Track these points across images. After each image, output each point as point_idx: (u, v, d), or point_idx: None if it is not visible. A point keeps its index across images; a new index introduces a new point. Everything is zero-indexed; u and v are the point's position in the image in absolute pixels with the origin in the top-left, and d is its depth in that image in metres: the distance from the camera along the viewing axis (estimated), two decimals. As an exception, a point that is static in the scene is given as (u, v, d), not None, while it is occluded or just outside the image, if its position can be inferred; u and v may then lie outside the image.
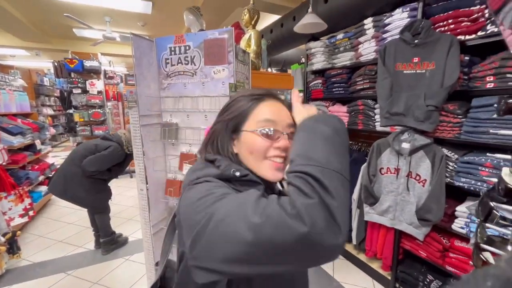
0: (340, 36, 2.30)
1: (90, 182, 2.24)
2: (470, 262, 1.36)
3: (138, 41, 1.43)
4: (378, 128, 2.01)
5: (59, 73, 4.60)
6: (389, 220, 1.85)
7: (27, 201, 2.58)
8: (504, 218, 0.59)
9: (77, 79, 4.49)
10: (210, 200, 0.44)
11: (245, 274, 0.41)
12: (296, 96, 0.59)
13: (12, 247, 2.23)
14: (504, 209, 0.63)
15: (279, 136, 0.55)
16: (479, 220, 0.75)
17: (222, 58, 1.41)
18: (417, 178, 1.69)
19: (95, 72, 4.67)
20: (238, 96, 0.60)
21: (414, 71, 1.65)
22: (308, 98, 2.78)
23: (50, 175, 3.47)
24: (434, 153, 1.60)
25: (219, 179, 0.51)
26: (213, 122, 0.62)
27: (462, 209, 1.53)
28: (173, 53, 1.50)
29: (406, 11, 1.71)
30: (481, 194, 0.80)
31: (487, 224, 0.69)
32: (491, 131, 1.36)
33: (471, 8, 1.43)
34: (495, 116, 1.34)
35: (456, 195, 1.62)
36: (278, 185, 0.69)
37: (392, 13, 1.80)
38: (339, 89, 2.38)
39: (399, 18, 1.76)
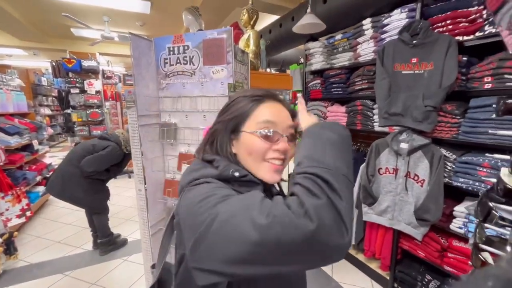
0: (338, 36, 2.30)
1: (88, 183, 2.23)
2: (469, 263, 1.36)
3: (136, 41, 1.42)
4: (377, 128, 2.01)
5: (57, 73, 4.58)
6: (388, 220, 1.85)
7: (24, 201, 2.57)
8: (503, 219, 0.59)
9: (75, 79, 4.47)
10: (212, 201, 0.43)
11: (249, 275, 0.41)
12: (302, 105, 0.61)
13: (9, 248, 2.22)
14: (502, 209, 0.63)
15: (279, 138, 0.55)
16: (478, 220, 0.75)
17: (221, 58, 1.41)
18: (416, 178, 1.69)
19: (93, 72, 4.65)
20: (238, 96, 0.59)
21: (413, 72, 1.66)
22: (307, 98, 2.78)
23: (48, 176, 3.45)
24: (433, 153, 1.61)
25: (218, 180, 0.51)
26: (213, 122, 0.62)
27: (460, 209, 1.53)
28: (171, 53, 1.50)
29: (405, 11, 1.72)
30: (480, 194, 0.81)
31: (486, 225, 0.69)
32: (490, 131, 1.36)
33: (469, 9, 1.44)
34: (493, 116, 1.34)
35: (454, 195, 1.63)
36: (276, 186, 0.68)
37: (391, 14, 1.80)
38: (338, 89, 2.38)
39: (397, 19, 1.76)
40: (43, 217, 3.26)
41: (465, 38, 1.47)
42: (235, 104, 0.58)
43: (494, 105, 1.32)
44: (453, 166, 1.57)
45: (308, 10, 2.10)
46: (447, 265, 1.63)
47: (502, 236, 0.71)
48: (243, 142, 0.56)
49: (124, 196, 3.94)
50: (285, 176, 0.61)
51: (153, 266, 0.71)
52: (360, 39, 2.08)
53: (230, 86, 1.39)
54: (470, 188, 1.47)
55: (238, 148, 0.57)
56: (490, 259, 0.63)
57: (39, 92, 7.99)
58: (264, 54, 2.24)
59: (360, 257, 2.25)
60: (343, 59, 2.28)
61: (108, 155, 2.22)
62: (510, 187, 0.63)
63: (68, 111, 4.49)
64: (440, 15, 1.57)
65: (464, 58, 1.49)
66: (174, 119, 1.59)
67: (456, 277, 1.59)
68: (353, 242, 2.24)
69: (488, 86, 1.40)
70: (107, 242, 2.44)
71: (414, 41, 1.61)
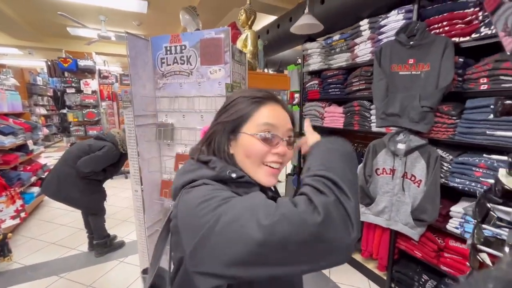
0: (336, 37, 2.31)
1: (84, 183, 2.21)
2: (467, 263, 1.36)
3: (133, 40, 1.41)
4: (374, 129, 2.02)
5: (53, 73, 4.54)
6: (385, 220, 1.86)
7: (19, 202, 2.53)
8: (500, 219, 0.59)
9: (71, 79, 4.43)
10: (213, 203, 0.42)
11: (250, 277, 0.40)
12: (309, 125, 0.65)
13: (3, 250, 2.18)
14: (500, 210, 0.63)
15: (279, 142, 0.55)
16: (476, 221, 0.76)
17: (218, 58, 1.40)
18: (413, 178, 1.70)
19: (89, 72, 4.61)
20: (238, 96, 0.58)
21: (410, 73, 1.66)
22: (304, 99, 2.78)
23: (43, 176, 3.41)
24: (429, 154, 1.62)
25: (215, 181, 0.50)
26: (212, 122, 0.61)
27: (456, 209, 1.54)
28: (168, 52, 1.49)
29: (402, 13, 1.73)
30: (477, 194, 0.81)
31: (484, 225, 0.69)
32: (487, 132, 1.37)
33: (465, 11, 1.45)
34: (490, 117, 1.35)
35: (451, 195, 1.64)
36: (271, 187, 0.68)
37: (388, 15, 1.81)
38: (335, 90, 2.39)
39: (394, 20, 1.77)
40: (38, 218, 3.22)
41: (462, 39, 1.48)
42: (234, 105, 0.57)
43: (491, 106, 1.32)
44: (450, 166, 1.58)
45: (306, 10, 2.10)
46: (443, 265, 1.64)
47: (497, 236, 0.71)
48: (242, 144, 0.55)
49: (120, 196, 3.91)
50: (281, 177, 0.61)
51: (143, 272, 0.68)
52: (357, 40, 2.09)
53: (227, 86, 1.38)
54: (466, 189, 1.48)
55: (236, 149, 0.56)
56: (488, 260, 0.63)
57: (34, 92, 7.91)
58: (261, 55, 2.24)
59: (358, 257, 2.25)
60: (340, 60, 2.29)
61: (105, 155, 2.20)
62: (508, 188, 0.63)
63: (64, 111, 4.45)
64: (436, 17, 1.58)
65: (461, 59, 1.50)
66: (171, 119, 1.58)
67: (453, 277, 1.60)
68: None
69: (484, 87, 1.41)
70: (103, 244, 2.41)
71: (411, 42, 1.62)
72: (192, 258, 0.42)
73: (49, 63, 4.55)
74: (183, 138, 1.56)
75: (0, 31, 5.24)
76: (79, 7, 4.12)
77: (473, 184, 1.45)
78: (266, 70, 3.89)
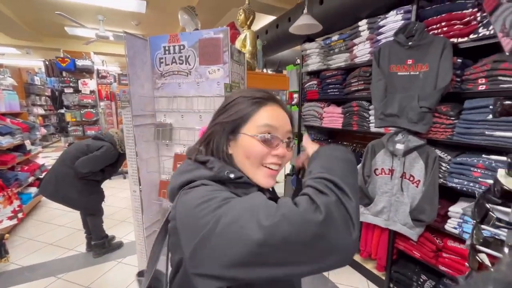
0: (335, 37, 2.31)
1: (82, 183, 2.20)
2: (466, 264, 1.37)
3: (131, 40, 1.40)
4: (373, 129, 2.02)
5: (50, 72, 4.51)
6: (384, 220, 1.86)
7: (16, 203, 2.51)
8: (499, 220, 0.59)
9: (69, 78, 4.41)
10: (213, 204, 0.42)
11: (250, 279, 0.39)
12: (307, 139, 0.67)
13: (0, 251, 2.17)
14: (499, 211, 0.64)
15: (278, 143, 0.55)
16: (475, 221, 0.76)
17: (217, 58, 1.40)
18: (411, 179, 1.70)
19: (87, 72, 4.59)
20: (238, 96, 0.58)
21: (408, 73, 1.67)
22: (303, 99, 2.78)
23: (41, 176, 3.39)
24: (428, 154, 1.62)
25: (213, 181, 0.50)
26: (211, 122, 0.60)
27: (455, 209, 1.55)
28: (167, 52, 1.48)
29: (400, 13, 1.73)
30: (476, 195, 0.81)
31: (483, 226, 0.70)
32: (487, 132, 1.37)
33: (464, 11, 1.45)
34: (489, 117, 1.35)
35: (449, 195, 1.64)
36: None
37: (387, 16, 1.81)
38: (334, 90, 2.39)
39: (393, 21, 1.77)
40: (36, 218, 3.20)
41: (460, 40, 1.48)
42: (234, 105, 0.57)
43: (490, 107, 1.33)
44: (448, 167, 1.58)
45: (305, 11, 2.10)
46: (442, 265, 1.64)
47: (495, 236, 0.71)
48: (241, 144, 0.55)
49: (118, 197, 3.89)
50: (280, 178, 0.61)
51: (139, 274, 0.67)
52: (356, 40, 2.09)
53: (226, 86, 1.38)
54: (464, 189, 1.48)
55: (236, 150, 0.56)
56: (487, 261, 0.63)
57: (32, 92, 7.88)
58: (260, 55, 2.24)
59: (356, 257, 2.25)
60: (339, 60, 2.29)
61: (103, 155, 2.19)
62: (507, 188, 0.63)
63: (62, 111, 4.43)
64: (435, 17, 1.58)
65: (459, 60, 1.51)
66: (170, 119, 1.57)
67: (451, 277, 1.60)
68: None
69: (482, 87, 1.42)
70: (101, 244, 2.40)
71: (410, 43, 1.62)
72: (191, 260, 0.42)
73: (47, 62, 4.52)
74: (181, 138, 1.55)
75: (-2, 31, 5.21)
76: (77, 6, 4.10)
77: (471, 184, 1.45)
78: (265, 70, 3.89)
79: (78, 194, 2.19)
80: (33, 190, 3.29)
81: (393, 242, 1.90)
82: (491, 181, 1.34)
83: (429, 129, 1.62)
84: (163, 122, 1.57)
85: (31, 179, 3.27)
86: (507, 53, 0.77)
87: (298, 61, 3.16)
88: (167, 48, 1.48)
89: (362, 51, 2.04)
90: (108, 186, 4.00)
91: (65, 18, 3.87)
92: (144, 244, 1.57)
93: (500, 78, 1.34)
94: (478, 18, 1.41)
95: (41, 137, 4.74)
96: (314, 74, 2.68)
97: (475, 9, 1.41)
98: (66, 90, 4.38)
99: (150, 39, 1.50)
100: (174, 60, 1.48)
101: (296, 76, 3.13)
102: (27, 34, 5.37)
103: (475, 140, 1.43)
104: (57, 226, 3.00)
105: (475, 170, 1.43)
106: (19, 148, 3.19)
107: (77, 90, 4.47)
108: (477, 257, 0.65)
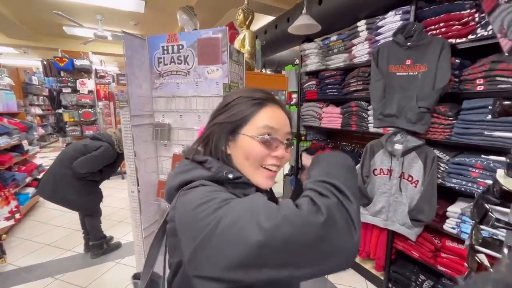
0: (334, 38, 2.31)
1: (81, 184, 2.18)
2: (465, 264, 1.37)
3: (129, 40, 1.40)
4: (371, 129, 2.02)
5: (48, 72, 4.50)
6: (382, 220, 1.86)
7: (13, 203, 2.50)
8: (498, 220, 0.59)
9: (67, 78, 4.39)
10: (213, 205, 0.42)
11: (251, 281, 0.39)
12: (306, 158, 0.64)
13: (-3, 252, 2.16)
14: (498, 211, 0.64)
15: (278, 145, 0.55)
16: (474, 222, 0.76)
17: (216, 58, 1.40)
18: (410, 179, 1.71)
19: (85, 71, 4.57)
20: (237, 96, 0.57)
21: (407, 73, 1.67)
22: (302, 99, 2.78)
23: (38, 177, 3.38)
24: (426, 154, 1.62)
25: (211, 182, 0.50)
26: (209, 122, 0.59)
27: (453, 209, 1.55)
28: (165, 52, 1.48)
29: (399, 14, 1.73)
30: (475, 195, 0.81)
31: (482, 226, 0.70)
32: (485, 133, 1.38)
33: (462, 12, 1.46)
34: (488, 118, 1.35)
35: (448, 195, 1.64)
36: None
37: (385, 16, 1.82)
38: (333, 90, 2.39)
39: (392, 21, 1.78)
40: (33, 219, 3.18)
41: (458, 40, 1.49)
42: (234, 106, 0.56)
43: (489, 107, 1.33)
44: (446, 167, 1.58)
45: (304, 11, 2.10)
46: (440, 265, 1.64)
47: (494, 237, 0.72)
48: (241, 145, 0.54)
49: (117, 197, 3.88)
50: (278, 178, 0.61)
51: (134, 277, 0.65)
52: (355, 41, 2.09)
53: (225, 86, 1.38)
54: (463, 189, 1.49)
55: (235, 150, 0.55)
56: (485, 261, 0.63)
57: (30, 91, 7.85)
58: (259, 55, 2.24)
59: (355, 257, 2.26)
60: (338, 60, 2.29)
61: (101, 155, 2.17)
62: (506, 188, 0.63)
63: (60, 111, 4.41)
64: (433, 18, 1.59)
65: (457, 61, 1.51)
66: (168, 120, 1.56)
67: (450, 277, 1.61)
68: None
69: (480, 88, 1.42)
70: (99, 245, 2.39)
71: (408, 43, 1.63)
72: (191, 261, 0.41)
73: (45, 62, 4.51)
74: (180, 138, 1.55)
75: (-5, 30, 5.18)
76: (75, 6, 4.09)
77: (469, 184, 1.46)
78: (264, 71, 3.89)
79: (77, 194, 2.18)
80: (31, 190, 3.27)
81: (391, 242, 1.90)
82: (489, 181, 1.35)
83: (428, 129, 1.63)
84: (161, 122, 1.56)
85: (28, 179, 3.25)
86: (505, 54, 0.77)
87: (297, 61, 3.16)
88: (165, 48, 1.47)
89: (361, 51, 2.04)
90: (106, 187, 3.98)
91: (63, 18, 3.86)
92: (142, 244, 1.57)
93: (498, 78, 1.34)
94: (476, 19, 1.41)
95: (39, 137, 4.72)
96: (313, 74, 2.68)
97: (473, 10, 1.42)
98: (64, 90, 4.36)
99: (148, 38, 1.49)
100: (172, 60, 1.48)
101: (295, 76, 3.13)
102: (25, 33, 5.34)
103: (473, 141, 1.43)
104: (54, 226, 2.98)
105: (474, 170, 1.43)
106: (17, 148, 3.17)
107: (75, 90, 4.45)
108: (476, 258, 0.65)
